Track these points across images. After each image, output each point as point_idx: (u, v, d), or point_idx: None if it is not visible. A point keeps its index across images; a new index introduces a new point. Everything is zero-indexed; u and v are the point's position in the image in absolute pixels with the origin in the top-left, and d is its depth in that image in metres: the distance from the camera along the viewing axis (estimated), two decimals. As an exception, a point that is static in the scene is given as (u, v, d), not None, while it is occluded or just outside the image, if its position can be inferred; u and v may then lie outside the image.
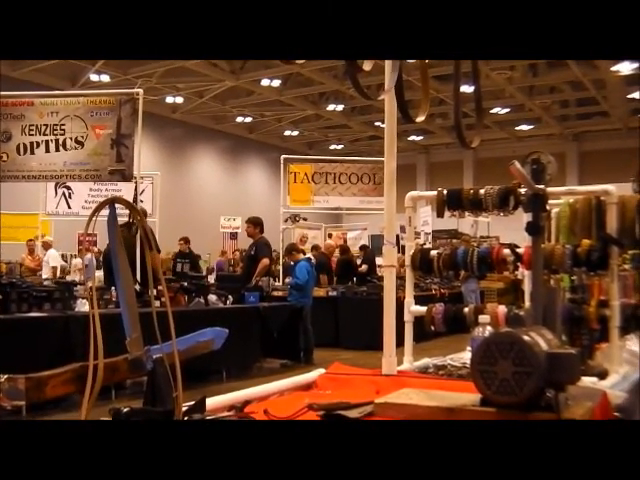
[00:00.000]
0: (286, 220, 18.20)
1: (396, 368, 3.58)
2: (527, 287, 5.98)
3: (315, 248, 19.35)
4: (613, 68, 21.62)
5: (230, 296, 11.83)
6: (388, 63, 3.06)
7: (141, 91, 11.26)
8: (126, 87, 18.27)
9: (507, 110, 27.22)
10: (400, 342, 4.04)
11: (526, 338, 2.38)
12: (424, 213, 17.64)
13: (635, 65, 21.40)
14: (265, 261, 12.64)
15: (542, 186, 3.43)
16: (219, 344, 2.60)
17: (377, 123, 27.60)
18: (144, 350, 2.21)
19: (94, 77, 23.05)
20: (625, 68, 21.69)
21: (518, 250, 4.15)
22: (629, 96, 25.21)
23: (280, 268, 16.23)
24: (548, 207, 4.13)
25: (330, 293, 16.10)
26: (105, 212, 2.14)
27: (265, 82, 23.66)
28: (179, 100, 26.36)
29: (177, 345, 2.23)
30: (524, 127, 29.69)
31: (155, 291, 7.56)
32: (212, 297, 11.45)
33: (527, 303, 5.18)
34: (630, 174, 6.77)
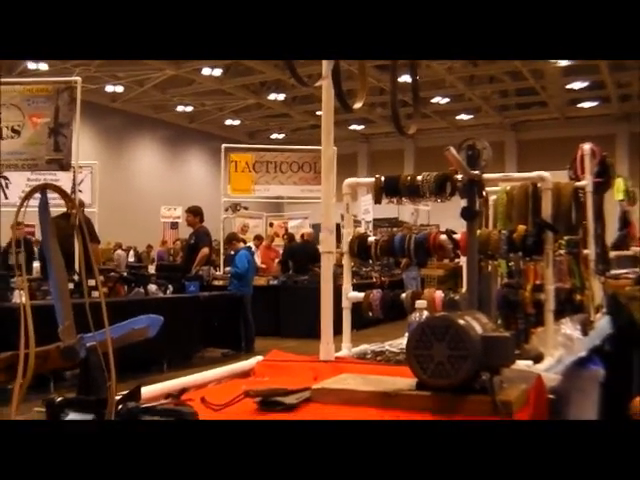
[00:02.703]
0: (227, 209, 18.10)
1: (334, 354, 3.59)
2: (465, 273, 6.04)
3: (257, 237, 19.32)
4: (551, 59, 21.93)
5: (170, 286, 11.75)
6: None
7: (79, 79, 11.10)
8: (64, 75, 17.99)
9: (447, 100, 27.47)
10: (339, 329, 4.06)
11: (461, 322, 2.40)
12: (365, 201, 17.73)
13: (572, 56, 21.75)
14: (205, 250, 12.60)
15: (477, 172, 3.46)
16: (154, 331, 2.57)
17: (318, 112, 27.53)
18: (77, 338, 2.17)
19: (32, 65, 22.64)
20: (563, 59, 22.01)
21: (455, 236, 4.18)
22: (567, 86, 25.60)
23: (221, 257, 16.16)
24: (485, 194, 4.18)
25: (271, 282, 16.10)
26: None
27: (206, 71, 23.48)
28: (119, 89, 26.06)
29: (111, 333, 2.20)
30: (464, 116, 29.99)
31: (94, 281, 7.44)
32: (152, 287, 11.36)
33: (465, 289, 5.23)
34: (567, 162, 6.87)
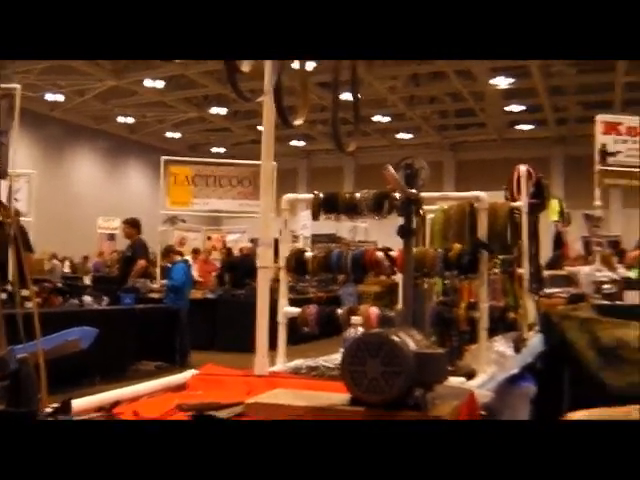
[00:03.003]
0: (165, 222, 17.97)
1: (268, 369, 3.59)
2: (400, 289, 6.09)
3: (195, 251, 19.19)
4: (491, 81, 22.25)
5: (105, 297, 11.59)
6: (268, 66, 3.07)
7: (19, 87, 10.92)
8: (3, 82, 17.69)
9: (388, 118, 27.63)
10: (275, 344, 4.06)
11: (395, 338, 2.42)
12: (303, 217, 17.73)
13: (511, 80, 22.11)
14: (141, 262, 12.47)
15: (415, 191, 3.50)
16: (87, 343, 2.55)
17: (260, 127, 27.46)
18: (7, 349, 2.14)
19: (-32, 71, 22.26)
20: (502, 82, 22.37)
21: (391, 253, 4.21)
22: (506, 109, 25.98)
23: (157, 270, 16.00)
24: (423, 212, 4.23)
25: (207, 295, 16.00)
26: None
27: (148, 83, 23.30)
28: (59, 98, 25.70)
29: (43, 344, 2.17)
30: (404, 135, 30.19)
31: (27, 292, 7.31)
32: (87, 298, 11.20)
33: (400, 305, 5.27)
34: (504, 183, 6.98)
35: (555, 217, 9.02)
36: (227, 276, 17.51)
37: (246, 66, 2.54)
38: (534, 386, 5.16)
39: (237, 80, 2.55)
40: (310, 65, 11.01)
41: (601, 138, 9.99)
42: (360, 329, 3.10)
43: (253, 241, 20.44)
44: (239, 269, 17.34)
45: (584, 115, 25.19)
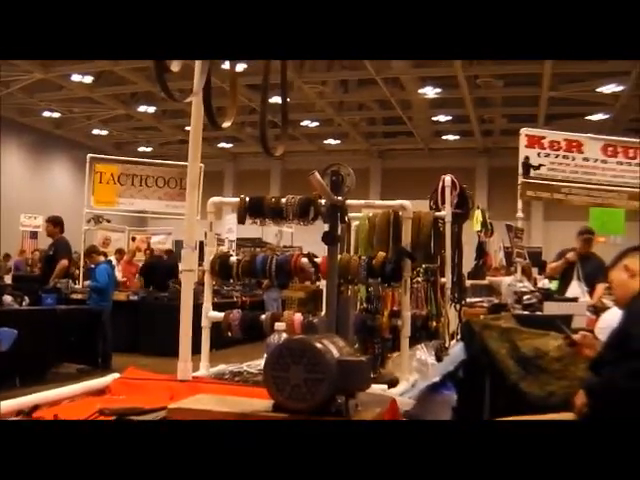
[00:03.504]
0: (89, 221, 17.65)
1: (191, 374, 3.55)
2: (325, 296, 6.11)
3: (119, 252, 18.94)
4: (420, 91, 22.47)
5: (26, 297, 11.36)
6: (198, 66, 3.04)
7: (-62, 77, 10.66)
8: None
9: (316, 124, 27.69)
10: (199, 348, 4.02)
11: (318, 345, 2.42)
12: (229, 220, 17.68)
13: (439, 90, 22.37)
14: (64, 262, 12.26)
15: (340, 198, 3.51)
16: (6, 345, 2.50)
17: (187, 127, 27.22)
18: None
19: None
20: (430, 92, 22.61)
21: (316, 259, 4.22)
22: (433, 118, 26.27)
23: (80, 270, 15.74)
24: (348, 219, 4.24)
25: (131, 297, 15.80)
26: None
27: (76, 77, 22.85)
28: (-17, 90, 25.11)
29: (-43, 345, 2.12)
30: (332, 141, 30.27)
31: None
32: (7, 298, 10.95)
33: (323, 311, 5.28)
34: (429, 192, 7.06)
35: (478, 227, 9.14)
36: (142, 279, 17.27)
37: (175, 66, 2.51)
38: (455, 394, 5.23)
39: (166, 79, 2.51)
40: (240, 66, 10.95)
41: (525, 151, 10.16)
42: (284, 335, 3.09)
43: (177, 243, 20.32)
44: (157, 271, 17.22)
45: (509, 128, 25.64)
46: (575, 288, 8.80)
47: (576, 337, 4.51)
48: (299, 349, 2.40)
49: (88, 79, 22.83)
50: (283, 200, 4.13)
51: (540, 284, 12.06)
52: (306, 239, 14.52)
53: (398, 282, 4.19)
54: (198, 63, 3.05)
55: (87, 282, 13.75)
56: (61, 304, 11.88)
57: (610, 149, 10.51)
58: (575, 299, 8.25)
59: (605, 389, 3.86)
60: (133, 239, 21.74)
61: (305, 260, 4.22)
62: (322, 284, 6.16)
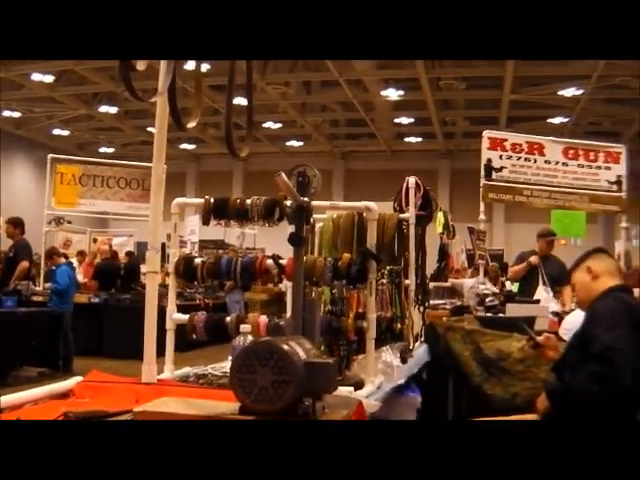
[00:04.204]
0: (50, 222, 17.45)
1: (156, 377, 3.52)
2: (290, 299, 6.10)
3: (80, 253, 18.77)
4: (382, 92, 22.53)
5: (-14, 299, 11.23)
6: (162, 66, 3.02)
7: None
8: None
9: (279, 125, 27.67)
10: (163, 350, 3.99)
11: (285, 347, 2.41)
12: (192, 222, 17.56)
13: (401, 92, 22.45)
14: (24, 264, 12.13)
15: (306, 199, 3.50)
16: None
17: (149, 128, 27.16)
18: None
19: None
20: (393, 94, 22.67)
21: (281, 261, 4.21)
22: (395, 120, 26.36)
23: (41, 272, 15.55)
24: (313, 221, 4.24)
25: (92, 300, 15.66)
26: None
27: (37, 77, 22.57)
28: (-60, 87, 24.73)
29: None
30: (294, 143, 30.27)
31: None
32: (-34, 300, 10.85)
33: (289, 314, 5.27)
34: (392, 195, 7.07)
35: (440, 229, 9.18)
36: (93, 282, 17.07)
37: (141, 65, 2.49)
38: (419, 396, 5.26)
39: (131, 79, 2.49)
40: (204, 67, 10.90)
41: (487, 153, 10.21)
42: (249, 337, 3.07)
43: (139, 245, 20.18)
44: (106, 273, 17.10)
45: (471, 130, 25.83)
46: (541, 292, 8.87)
47: (539, 339, 4.54)
48: (266, 351, 2.39)
49: (49, 78, 22.57)
50: (248, 201, 4.11)
51: (503, 286, 12.16)
52: (269, 241, 14.51)
53: (363, 284, 4.19)
54: (163, 63, 3.03)
55: (48, 284, 13.60)
56: (22, 306, 11.77)
57: (571, 152, 10.61)
58: (537, 301, 8.32)
59: (565, 392, 3.90)
60: (95, 241, 21.55)
61: (270, 262, 4.21)
62: (284, 286, 6.15)
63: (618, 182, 10.67)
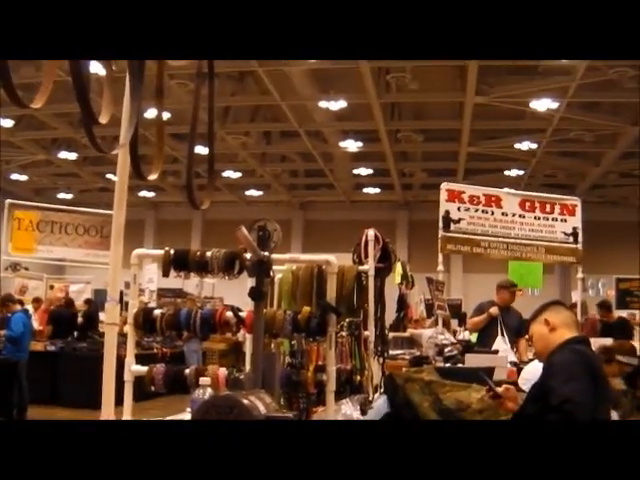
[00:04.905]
0: (6, 268, 17.26)
1: (113, 429, 3.48)
2: (248, 349, 6.07)
3: (36, 300, 18.53)
4: (341, 144, 22.70)
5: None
6: (125, 117, 3.04)
7: None
8: None
9: (239, 174, 27.67)
10: (120, 401, 3.95)
11: (245, 402, 2.41)
12: (149, 270, 17.48)
13: (360, 144, 22.65)
14: (-22, 311, 11.98)
15: (267, 253, 3.52)
16: None
17: (108, 175, 27.07)
18: None
19: None
20: (352, 145, 22.85)
21: (241, 313, 4.21)
22: (354, 171, 26.53)
23: (-4, 319, 15.31)
24: (272, 273, 4.25)
25: (48, 347, 15.45)
26: None
27: (-4, 121, 22.45)
28: None
29: None
30: (254, 192, 30.24)
31: None
32: None
33: (248, 366, 5.25)
34: (351, 245, 7.11)
35: (399, 280, 9.22)
36: (49, 328, 16.82)
37: (104, 118, 2.50)
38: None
39: (94, 133, 2.50)
40: (165, 115, 10.94)
41: (445, 205, 10.33)
42: (209, 390, 3.06)
43: (97, 292, 19.97)
44: (60, 320, 16.89)
45: (428, 182, 26.06)
46: (500, 343, 8.93)
47: (499, 390, 4.56)
48: (226, 406, 2.39)
49: (8, 123, 22.44)
50: (208, 254, 4.12)
51: (460, 336, 12.22)
52: (228, 290, 14.46)
53: (323, 337, 4.20)
54: (125, 113, 3.05)
55: (2, 332, 13.41)
56: (-25, 354, 11.59)
57: (528, 204, 10.79)
58: (496, 351, 8.37)
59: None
60: (51, 287, 21.32)
61: (230, 314, 4.21)
62: (242, 335, 6.13)
63: (574, 234, 10.86)
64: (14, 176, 29.80)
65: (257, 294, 3.42)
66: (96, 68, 2.83)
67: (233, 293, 8.30)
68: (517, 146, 21.83)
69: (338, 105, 18.95)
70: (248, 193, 30.30)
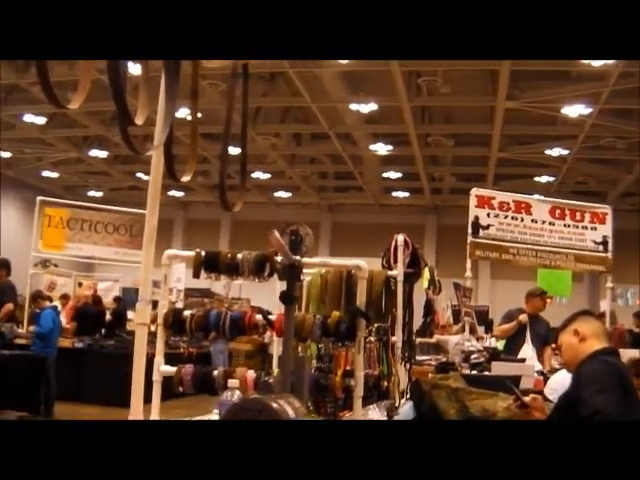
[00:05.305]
0: (36, 265, 17.38)
1: (141, 429, 3.50)
2: (275, 352, 6.09)
3: (64, 297, 18.65)
4: (371, 147, 22.66)
5: (-31, 341, 11.16)
6: (160, 118, 3.04)
7: None
8: None
9: (268, 176, 27.69)
10: (147, 399, 3.97)
11: (274, 405, 2.41)
12: (178, 270, 17.53)
13: (390, 147, 22.60)
14: (8, 306, 12.08)
15: (298, 257, 3.52)
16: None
17: (139, 174, 27.25)
18: None
19: None
20: (381, 148, 22.80)
21: (270, 317, 4.21)
22: (383, 175, 26.47)
23: (25, 314, 15.42)
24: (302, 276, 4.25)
25: (76, 345, 15.54)
26: None
27: (28, 118, 22.59)
28: None
29: None
30: (283, 194, 30.27)
31: None
32: (-50, 340, 10.79)
33: (275, 368, 5.27)
34: (379, 249, 7.10)
35: (426, 285, 9.19)
36: (73, 324, 16.92)
37: (140, 118, 2.51)
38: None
39: (128, 133, 2.51)
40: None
41: (475, 211, 10.28)
42: (237, 393, 3.07)
43: (125, 290, 20.09)
44: (85, 318, 17.01)
45: (458, 186, 25.98)
46: (527, 351, 8.88)
47: (526, 399, 4.53)
48: (255, 409, 2.39)
49: (41, 120, 22.62)
50: (239, 256, 4.13)
51: (487, 343, 12.16)
52: (255, 291, 14.51)
53: (352, 341, 4.20)
54: (160, 115, 3.06)
55: (32, 327, 13.51)
56: (4, 349, 11.68)
57: (558, 211, 10.71)
58: (523, 360, 8.32)
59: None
60: (80, 284, 21.45)
61: (259, 317, 4.22)
62: (268, 337, 6.12)
63: (604, 242, 10.77)
64: (45, 173, 30.04)
65: (288, 298, 3.42)
66: (131, 69, 2.83)
67: (261, 294, 8.33)
68: (548, 152, 21.68)
69: (369, 108, 18.92)
70: (277, 194, 30.32)
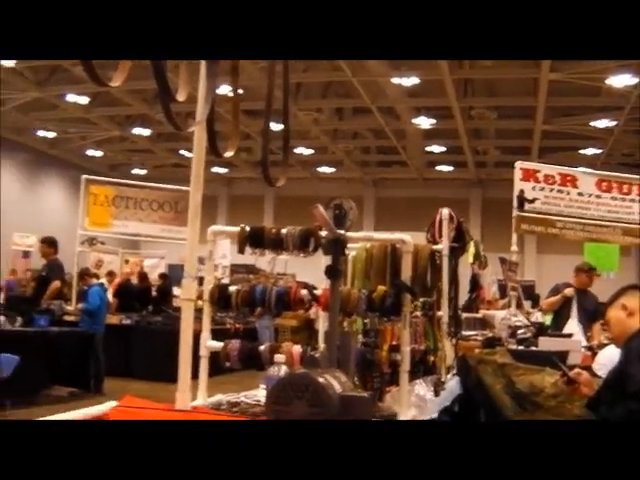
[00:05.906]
0: (83, 242, 17.55)
1: (189, 404, 3.53)
2: (321, 327, 6.09)
3: (110, 274, 18.86)
4: (414, 120, 22.51)
5: (19, 318, 11.32)
6: (201, 95, 3.04)
7: None
8: None
9: (311, 151, 27.69)
10: (194, 375, 4.00)
11: (321, 380, 2.41)
12: (223, 246, 17.60)
13: (433, 120, 22.43)
14: (56, 283, 12.24)
15: (342, 231, 3.51)
16: (8, 372, 2.47)
17: (182, 151, 27.38)
18: None
19: None
20: (424, 122, 22.65)
21: (316, 292, 4.21)
22: (427, 149, 26.32)
23: (73, 292, 15.61)
24: (346, 251, 4.24)
25: (124, 321, 15.72)
26: None
27: (71, 98, 22.79)
28: (-24, 107, 24.94)
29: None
30: (326, 169, 30.25)
31: None
32: (1, 318, 10.94)
33: (321, 343, 5.27)
34: (423, 223, 7.05)
35: (471, 259, 9.13)
36: (115, 301, 17.11)
37: (181, 95, 2.51)
38: (450, 429, 5.19)
39: (171, 109, 2.50)
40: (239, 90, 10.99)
41: (520, 184, 10.17)
42: (283, 367, 3.08)
43: (171, 267, 20.23)
44: (126, 294, 17.22)
45: (502, 160, 25.76)
46: (573, 326, 8.81)
47: (573, 375, 4.48)
48: (302, 384, 2.40)
49: (84, 100, 22.79)
50: (283, 231, 4.13)
51: (533, 318, 12.07)
52: (300, 266, 14.51)
53: (397, 316, 4.19)
54: (201, 90, 3.05)
55: (80, 304, 13.69)
56: (53, 326, 11.83)
57: (604, 184, 10.54)
58: (570, 335, 8.24)
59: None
60: (127, 262, 21.66)
61: (305, 292, 4.21)
62: (314, 312, 6.12)
63: (652, 215, 10.58)
64: (89, 152, 30.32)
65: (334, 272, 3.41)
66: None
67: (306, 269, 8.33)
68: (593, 124, 21.39)
69: (410, 81, 18.79)
70: (320, 170, 30.30)
